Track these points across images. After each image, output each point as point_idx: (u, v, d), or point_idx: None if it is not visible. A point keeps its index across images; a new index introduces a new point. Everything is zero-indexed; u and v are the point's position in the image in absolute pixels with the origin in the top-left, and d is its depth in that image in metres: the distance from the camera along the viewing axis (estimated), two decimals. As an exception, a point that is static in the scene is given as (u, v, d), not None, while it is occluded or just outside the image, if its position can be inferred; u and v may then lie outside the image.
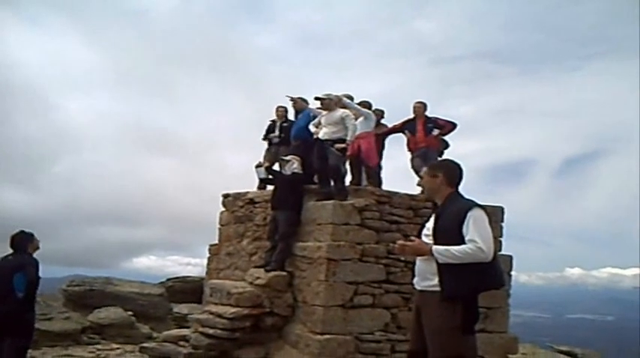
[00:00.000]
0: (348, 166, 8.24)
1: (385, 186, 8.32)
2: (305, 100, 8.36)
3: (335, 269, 6.77)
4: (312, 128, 7.88)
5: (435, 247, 3.42)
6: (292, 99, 8.27)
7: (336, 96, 7.78)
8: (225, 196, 9.07)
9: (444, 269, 3.39)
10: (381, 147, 8.59)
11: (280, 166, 7.96)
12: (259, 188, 8.65)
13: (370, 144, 7.94)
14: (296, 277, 7.14)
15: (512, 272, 7.83)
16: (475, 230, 3.38)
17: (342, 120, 7.49)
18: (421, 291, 3.53)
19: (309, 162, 7.85)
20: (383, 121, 8.98)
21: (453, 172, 3.59)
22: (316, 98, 7.74)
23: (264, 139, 8.94)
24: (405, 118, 8.66)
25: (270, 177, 8.11)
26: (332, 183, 7.37)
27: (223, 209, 9.07)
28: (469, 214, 3.42)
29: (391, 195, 7.46)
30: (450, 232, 3.43)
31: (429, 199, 3.68)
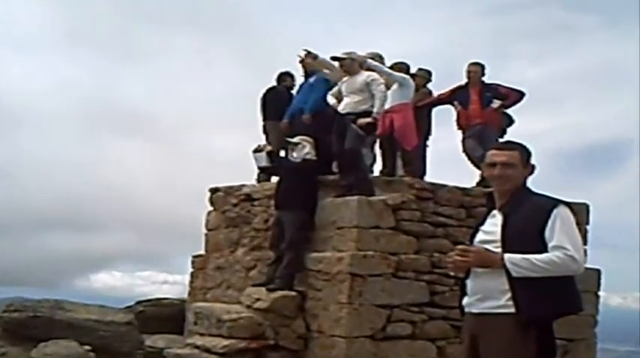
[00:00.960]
0: (377, 150, 8.35)
1: (429, 177, 8.39)
2: (323, 62, 8.32)
3: (361, 289, 6.82)
4: (330, 99, 7.94)
5: (507, 256, 3.42)
6: (307, 54, 8.27)
7: (361, 55, 7.83)
8: (214, 191, 9.16)
9: (520, 286, 3.38)
10: (424, 124, 8.65)
11: (287, 151, 8.02)
12: (259, 180, 8.74)
13: (407, 120, 8.00)
14: (309, 299, 7.22)
15: (601, 293, 7.85)
16: (563, 234, 3.38)
17: (367, 86, 7.53)
18: (480, 315, 3.55)
19: (326, 144, 7.93)
20: (430, 87, 9.01)
21: (529, 158, 3.64)
22: (334, 58, 7.80)
23: (263, 119, 9.03)
24: (455, 85, 8.68)
25: (274, 165, 8.18)
26: (356, 173, 7.43)
27: (211, 208, 9.17)
28: (554, 213, 3.42)
29: (436, 188, 7.49)
30: (527, 236, 3.43)
31: (496, 193, 3.71)
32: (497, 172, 3.57)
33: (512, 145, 3.67)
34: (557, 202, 3.48)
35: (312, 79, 8.29)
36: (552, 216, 3.41)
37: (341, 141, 7.54)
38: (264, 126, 8.99)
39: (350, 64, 7.70)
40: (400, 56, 8.89)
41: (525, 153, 3.61)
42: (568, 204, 3.51)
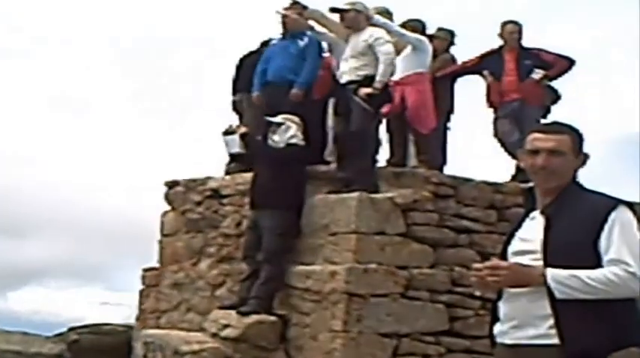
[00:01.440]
0: (383, 133, 8.34)
1: (450, 169, 8.36)
2: (316, 16, 8.31)
3: (361, 312, 6.80)
4: (342, 65, 7.86)
5: (551, 272, 3.38)
6: (293, 4, 8.27)
7: (366, 7, 7.85)
8: (171, 186, 9.13)
9: (565, 310, 3.35)
10: (444, 100, 8.63)
11: (266, 134, 7.99)
12: (229, 171, 8.71)
13: (423, 95, 8.03)
14: (293, 325, 7.21)
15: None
16: (623, 244, 3.34)
17: (370, 47, 7.59)
18: (514, 347, 3.53)
19: (316, 125, 7.86)
20: (452, 52, 9.00)
21: (582, 145, 3.59)
22: (333, 9, 7.85)
23: (233, 91, 9.00)
24: (485, 50, 8.70)
25: (249, 151, 8.16)
26: (356, 163, 7.44)
27: (167, 208, 9.16)
28: (613, 217, 3.37)
29: (459, 183, 7.49)
30: (576, 246, 3.38)
31: (538, 190, 3.66)
32: (541, 162, 3.51)
33: (560, 127, 3.62)
34: (616, 203, 3.43)
35: (303, 41, 8.24)
36: (609, 221, 3.37)
37: (344, 121, 7.58)
38: (237, 102, 8.93)
39: (354, 18, 7.73)
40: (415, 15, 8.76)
41: (577, 138, 3.56)
42: (631, 206, 3.47)
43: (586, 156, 3.58)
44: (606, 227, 3.36)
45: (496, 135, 8.39)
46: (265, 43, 8.88)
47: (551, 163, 3.51)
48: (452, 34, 9.05)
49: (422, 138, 8.06)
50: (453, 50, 9.05)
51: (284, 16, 8.34)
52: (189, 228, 8.76)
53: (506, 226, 7.32)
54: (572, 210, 3.45)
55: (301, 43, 8.20)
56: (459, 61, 8.88)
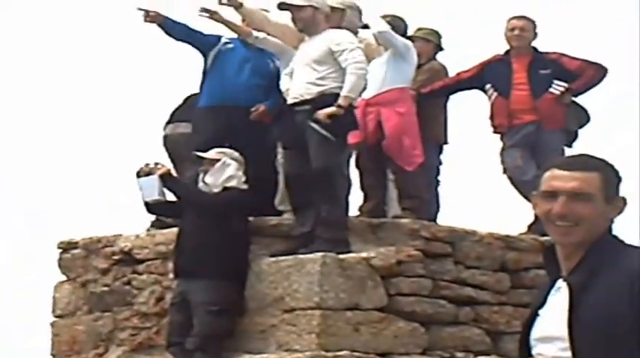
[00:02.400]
0: (353, 170, 8.31)
1: (444, 218, 8.44)
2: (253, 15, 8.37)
3: None
4: (284, 83, 7.96)
5: None
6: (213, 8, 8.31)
7: (325, 3, 7.87)
8: (67, 248, 9.00)
9: None
10: (435, 124, 8.68)
11: (197, 174, 7.97)
12: (153, 226, 8.66)
13: (406, 119, 8.06)
14: None
15: None
16: None
17: (331, 55, 7.60)
18: None
19: (264, 161, 7.88)
20: (440, 59, 9.07)
21: (619, 186, 3.50)
22: (282, 5, 7.84)
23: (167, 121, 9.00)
24: (487, 58, 8.76)
25: (172, 200, 8.11)
26: (320, 212, 7.43)
27: (62, 278, 9.03)
28: None
29: (457, 237, 7.53)
30: (614, 324, 3.34)
31: (559, 248, 3.58)
32: (559, 209, 3.43)
33: (588, 162, 3.54)
34: None
35: (274, 63, 8.41)
36: None
37: (298, 156, 7.58)
38: (169, 137, 8.88)
39: (311, 17, 7.73)
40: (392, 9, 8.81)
41: (612, 176, 3.48)
42: None
43: (624, 202, 3.49)
44: None
45: (505, 170, 8.40)
46: None
47: (572, 210, 3.42)
48: (438, 35, 9.06)
49: (406, 177, 8.05)
50: (440, 57, 9.10)
51: (212, 13, 8.36)
52: (92, 305, 8.63)
53: (522, 295, 7.30)
54: (607, 275, 3.36)
55: (272, 66, 8.38)
56: (451, 73, 8.90)
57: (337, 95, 7.47)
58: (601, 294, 3.36)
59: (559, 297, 3.49)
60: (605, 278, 3.37)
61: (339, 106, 7.41)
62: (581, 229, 3.39)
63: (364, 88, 7.69)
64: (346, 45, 7.58)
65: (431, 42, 8.87)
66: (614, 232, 3.47)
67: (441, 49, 9.06)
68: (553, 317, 3.50)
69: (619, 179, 3.48)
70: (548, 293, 3.59)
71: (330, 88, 7.53)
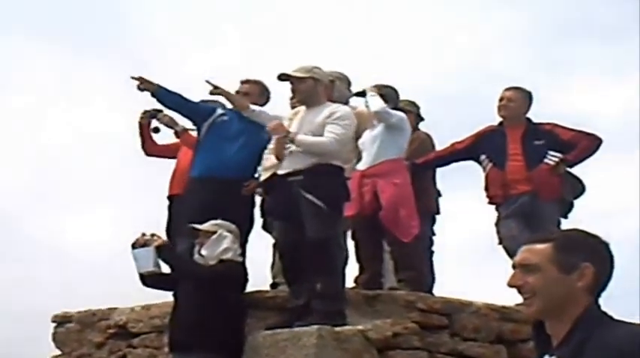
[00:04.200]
0: (349, 240, 8.37)
1: (440, 289, 8.44)
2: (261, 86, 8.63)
3: None
4: (266, 156, 8.03)
5: None
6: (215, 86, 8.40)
7: (325, 75, 7.98)
8: (61, 321, 9.00)
9: None
10: (427, 196, 8.74)
11: (192, 246, 7.98)
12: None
13: (402, 190, 8.10)
14: None
15: None
16: None
17: (325, 125, 7.62)
18: None
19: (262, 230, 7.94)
20: (422, 128, 9.18)
21: (605, 264, 3.51)
22: (282, 76, 7.90)
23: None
24: (482, 128, 8.83)
25: (167, 272, 8.06)
26: (316, 284, 7.40)
27: (56, 352, 8.99)
28: None
29: (454, 309, 7.51)
30: None
31: (536, 319, 3.63)
32: (508, 281, 3.50)
33: (549, 235, 3.58)
34: None
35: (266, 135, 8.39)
36: None
37: (292, 227, 7.57)
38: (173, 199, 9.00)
39: (311, 89, 7.79)
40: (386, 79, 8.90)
41: (571, 246, 3.51)
42: None
43: (596, 273, 3.48)
44: None
45: (501, 241, 8.40)
46: None
47: (523, 282, 3.47)
48: (416, 105, 9.17)
49: (402, 248, 8.04)
50: (422, 127, 9.23)
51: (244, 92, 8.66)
52: (87, 380, 8.55)
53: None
54: (592, 351, 3.38)
55: (266, 137, 8.34)
56: (439, 145, 9.01)
57: (332, 166, 7.52)
58: None
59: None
60: (592, 354, 3.40)
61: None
62: (537, 300, 3.43)
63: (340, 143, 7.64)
64: (342, 116, 7.64)
65: (411, 112, 8.92)
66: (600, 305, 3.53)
67: (422, 118, 9.16)
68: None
69: (580, 247, 3.50)
70: (537, 363, 3.63)
71: (325, 158, 7.55)
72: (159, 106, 8.72)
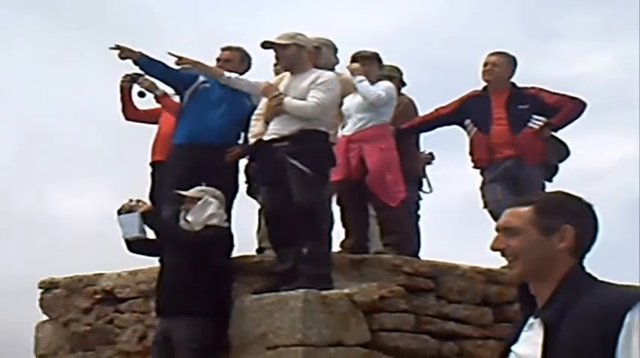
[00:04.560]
0: (335, 205, 8.39)
1: (426, 253, 8.47)
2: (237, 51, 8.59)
3: None
4: (253, 123, 8.01)
5: None
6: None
7: (309, 41, 7.95)
8: (48, 287, 8.99)
9: None
10: (413, 161, 8.77)
11: (178, 212, 7.98)
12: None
13: (388, 155, 8.14)
14: None
15: None
16: None
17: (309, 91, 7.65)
18: None
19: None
20: (405, 93, 9.18)
21: (587, 226, 3.52)
22: (265, 44, 7.90)
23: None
24: (465, 93, 8.83)
25: (152, 238, 8.11)
26: (302, 248, 7.43)
27: (44, 318, 8.99)
28: (628, 321, 3.36)
29: (440, 272, 7.54)
30: None
31: (519, 281, 3.65)
32: (492, 244, 3.52)
33: (530, 198, 3.60)
34: (634, 299, 3.41)
35: (250, 101, 8.51)
36: (626, 327, 3.33)
37: (278, 192, 7.59)
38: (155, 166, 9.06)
39: (295, 56, 7.78)
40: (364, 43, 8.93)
41: (551, 208, 3.53)
42: None
43: (578, 235, 3.50)
44: (621, 335, 3.33)
45: (485, 205, 8.41)
46: None
47: (507, 245, 3.51)
48: (399, 71, 9.18)
49: (388, 213, 8.06)
50: (405, 91, 9.22)
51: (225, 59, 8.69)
52: (74, 345, 8.61)
53: (506, 329, 7.28)
54: (578, 311, 3.40)
55: (248, 105, 8.42)
56: (424, 110, 9.00)
57: (318, 132, 7.53)
58: (572, 332, 3.39)
59: (532, 335, 3.55)
60: (576, 315, 3.42)
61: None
62: (520, 262, 3.45)
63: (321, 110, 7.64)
64: (325, 81, 7.65)
65: (395, 78, 8.93)
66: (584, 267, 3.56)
67: (404, 83, 9.18)
68: (525, 354, 3.56)
69: (560, 209, 3.52)
70: (521, 329, 3.66)
71: (310, 124, 7.56)
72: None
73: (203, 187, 7.85)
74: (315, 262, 7.39)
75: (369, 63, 8.40)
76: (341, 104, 8.33)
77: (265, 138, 7.68)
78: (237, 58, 8.67)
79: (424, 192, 9.12)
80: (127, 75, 8.99)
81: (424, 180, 9.17)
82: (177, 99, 8.83)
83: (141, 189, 8.99)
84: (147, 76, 8.76)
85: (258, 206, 8.61)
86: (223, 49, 8.76)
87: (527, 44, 18.30)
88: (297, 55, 7.77)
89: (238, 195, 8.57)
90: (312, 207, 7.40)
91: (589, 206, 3.57)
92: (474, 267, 7.71)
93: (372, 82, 8.21)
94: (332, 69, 8.34)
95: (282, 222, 7.60)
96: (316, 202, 7.45)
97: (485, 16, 19.43)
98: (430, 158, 9.30)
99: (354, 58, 8.44)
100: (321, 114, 7.59)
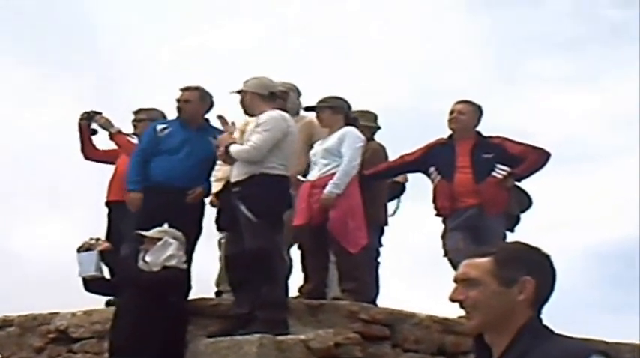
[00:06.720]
0: (295, 249, 8.42)
1: (384, 300, 8.47)
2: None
3: None
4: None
5: None
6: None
7: (268, 85, 8.01)
8: (1, 325, 8.97)
9: None
10: (376, 207, 8.75)
11: (137, 252, 7.95)
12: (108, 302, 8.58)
13: (351, 201, 8.12)
14: None
15: None
16: None
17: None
18: None
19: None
20: (378, 140, 9.18)
21: (546, 277, 3.53)
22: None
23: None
24: (433, 140, 8.84)
25: (108, 277, 8.07)
26: (258, 293, 7.41)
27: (-3, 356, 8.90)
28: None
29: (397, 320, 7.53)
30: None
31: (477, 333, 3.65)
32: (450, 295, 3.52)
33: (489, 249, 3.62)
34: (590, 352, 3.43)
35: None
36: None
37: (235, 237, 7.62)
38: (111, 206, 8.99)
39: (247, 100, 7.97)
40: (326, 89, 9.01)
41: (511, 260, 3.54)
42: (606, 354, 3.48)
43: (538, 286, 3.52)
44: None
45: (446, 254, 8.38)
46: None
47: (464, 296, 3.51)
48: (375, 117, 9.20)
49: (348, 258, 8.02)
50: (378, 137, 9.21)
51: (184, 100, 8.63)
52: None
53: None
54: None
55: (213, 146, 8.34)
56: (391, 156, 8.98)
57: (266, 175, 7.56)
58: None
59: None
60: None
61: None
62: (479, 313, 3.43)
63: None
64: (260, 126, 7.70)
65: (366, 127, 8.88)
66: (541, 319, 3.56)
67: (379, 128, 9.18)
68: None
69: (521, 260, 3.54)
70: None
71: (259, 168, 7.60)
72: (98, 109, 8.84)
73: (164, 228, 7.85)
74: (271, 307, 7.37)
75: (332, 111, 8.42)
76: (309, 148, 8.37)
77: (231, 181, 7.73)
78: (197, 98, 8.61)
79: (390, 215, 9.13)
80: (84, 112, 9.05)
81: (395, 202, 9.22)
82: (134, 139, 8.87)
83: (98, 229, 9.01)
84: (104, 114, 8.84)
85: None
86: (182, 90, 8.70)
87: (494, 90, 18.41)
88: (249, 99, 7.89)
89: (202, 238, 8.55)
90: (264, 253, 7.39)
91: (547, 257, 3.59)
92: (430, 316, 7.70)
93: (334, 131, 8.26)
94: (297, 112, 8.39)
95: (239, 266, 7.62)
96: (268, 247, 7.44)
97: (451, 62, 19.54)
98: (405, 180, 9.29)
99: (319, 107, 8.49)
100: (258, 156, 7.60)
